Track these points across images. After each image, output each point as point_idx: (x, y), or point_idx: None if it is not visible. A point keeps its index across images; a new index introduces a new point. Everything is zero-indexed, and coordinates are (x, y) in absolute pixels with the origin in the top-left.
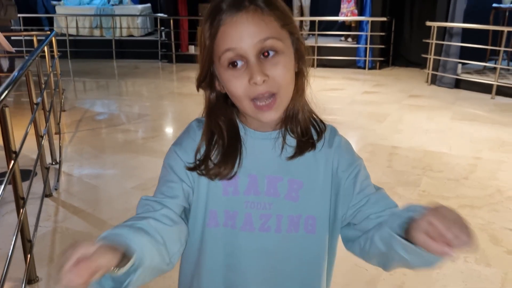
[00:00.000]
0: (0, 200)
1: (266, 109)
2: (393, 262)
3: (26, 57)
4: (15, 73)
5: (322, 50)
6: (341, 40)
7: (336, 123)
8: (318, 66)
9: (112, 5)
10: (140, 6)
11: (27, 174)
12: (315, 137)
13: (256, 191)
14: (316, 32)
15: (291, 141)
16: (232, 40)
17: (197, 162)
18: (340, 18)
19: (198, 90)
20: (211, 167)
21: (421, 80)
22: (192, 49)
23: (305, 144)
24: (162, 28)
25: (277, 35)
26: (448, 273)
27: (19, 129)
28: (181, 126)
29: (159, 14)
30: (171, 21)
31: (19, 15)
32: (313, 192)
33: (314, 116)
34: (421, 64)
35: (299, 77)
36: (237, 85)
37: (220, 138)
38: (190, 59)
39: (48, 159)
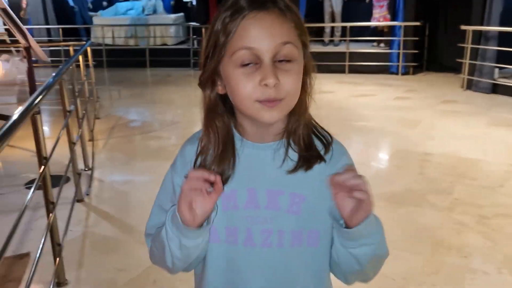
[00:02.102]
0: (34, 205)
1: (270, 106)
2: (346, 264)
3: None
4: (48, 81)
5: (353, 56)
6: (373, 46)
7: (366, 129)
8: (349, 72)
9: (147, 15)
10: (173, 16)
11: (60, 180)
12: (322, 151)
13: (256, 205)
14: (348, 38)
15: (293, 154)
16: (251, 39)
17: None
18: (372, 23)
19: (203, 90)
20: None
21: (456, 85)
22: None
23: (310, 157)
24: (194, 36)
25: (296, 42)
26: (482, 285)
27: (54, 136)
28: None
29: (192, 23)
30: (203, 29)
31: (58, 26)
32: (316, 206)
33: (320, 130)
34: (456, 69)
35: (302, 91)
36: (246, 84)
37: (215, 143)
38: None
39: (81, 165)
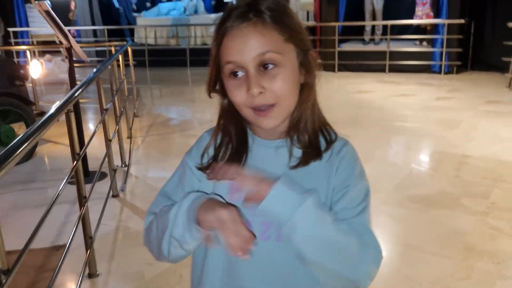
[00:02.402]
0: (74, 199)
1: (263, 115)
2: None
3: (98, 66)
4: (83, 81)
5: (394, 55)
6: (415, 44)
7: (405, 129)
8: (390, 71)
9: (188, 15)
10: (214, 15)
11: (100, 175)
12: (323, 147)
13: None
14: (388, 37)
15: (297, 151)
16: (232, 53)
17: (205, 164)
18: (414, 21)
19: (209, 96)
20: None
21: (501, 85)
22: None
23: (309, 154)
24: None
25: (277, 49)
26: None
27: (97, 134)
28: None
29: None
30: None
31: (104, 27)
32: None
33: (327, 127)
34: (502, 68)
35: (305, 89)
36: (237, 94)
37: (229, 142)
38: None
39: (118, 162)
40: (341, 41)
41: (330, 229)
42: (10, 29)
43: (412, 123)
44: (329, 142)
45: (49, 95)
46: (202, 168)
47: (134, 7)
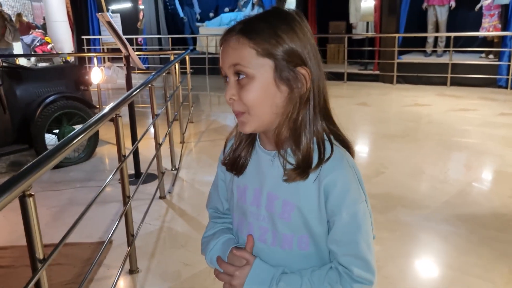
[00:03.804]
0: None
1: (239, 120)
2: None
3: (152, 74)
4: (137, 86)
5: (457, 68)
6: (481, 57)
7: (462, 145)
8: (451, 84)
9: None
10: None
11: (151, 177)
12: (314, 164)
13: (258, 203)
14: (451, 49)
15: (290, 165)
16: (220, 61)
17: (226, 160)
18: (480, 33)
19: None
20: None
21: None
22: None
23: (294, 173)
24: None
25: (247, 63)
26: None
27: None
28: None
29: None
30: None
31: (168, 35)
32: (307, 215)
33: (325, 143)
34: None
35: (290, 103)
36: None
37: (239, 145)
38: None
39: (169, 165)
40: (401, 53)
41: None
42: (84, 37)
43: (470, 139)
44: (319, 161)
45: (111, 99)
46: (223, 163)
47: (198, 17)
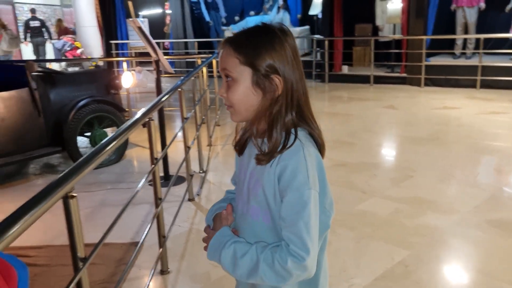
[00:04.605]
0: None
1: (228, 110)
2: None
3: (181, 77)
4: (167, 91)
5: (487, 70)
6: (511, 59)
7: (491, 149)
8: (481, 87)
9: None
10: (298, 29)
11: (180, 179)
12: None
13: (244, 179)
14: (481, 51)
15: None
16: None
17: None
18: (510, 35)
19: None
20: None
21: None
22: (345, 69)
23: (259, 158)
24: (318, 48)
25: (232, 68)
26: None
27: (179, 141)
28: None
29: (316, 36)
30: (326, 42)
31: (194, 39)
32: (267, 193)
33: (290, 136)
34: None
35: (263, 103)
36: None
37: (244, 133)
38: (343, 78)
39: (197, 168)
40: (429, 55)
41: (242, 266)
42: (112, 42)
43: (501, 143)
44: (280, 150)
45: (141, 103)
46: (233, 144)
47: (224, 20)
